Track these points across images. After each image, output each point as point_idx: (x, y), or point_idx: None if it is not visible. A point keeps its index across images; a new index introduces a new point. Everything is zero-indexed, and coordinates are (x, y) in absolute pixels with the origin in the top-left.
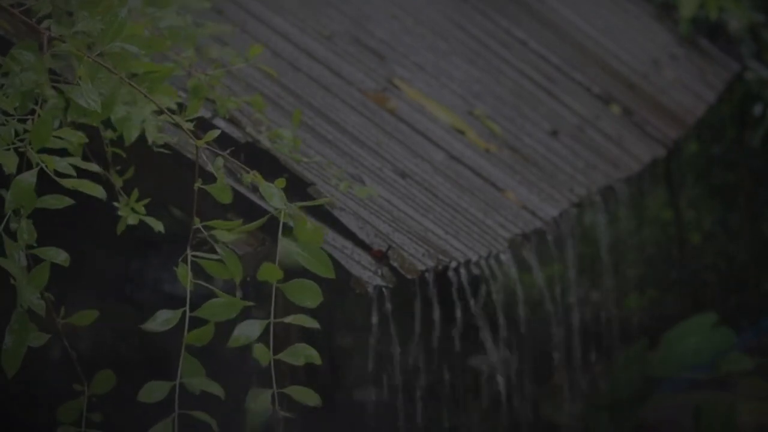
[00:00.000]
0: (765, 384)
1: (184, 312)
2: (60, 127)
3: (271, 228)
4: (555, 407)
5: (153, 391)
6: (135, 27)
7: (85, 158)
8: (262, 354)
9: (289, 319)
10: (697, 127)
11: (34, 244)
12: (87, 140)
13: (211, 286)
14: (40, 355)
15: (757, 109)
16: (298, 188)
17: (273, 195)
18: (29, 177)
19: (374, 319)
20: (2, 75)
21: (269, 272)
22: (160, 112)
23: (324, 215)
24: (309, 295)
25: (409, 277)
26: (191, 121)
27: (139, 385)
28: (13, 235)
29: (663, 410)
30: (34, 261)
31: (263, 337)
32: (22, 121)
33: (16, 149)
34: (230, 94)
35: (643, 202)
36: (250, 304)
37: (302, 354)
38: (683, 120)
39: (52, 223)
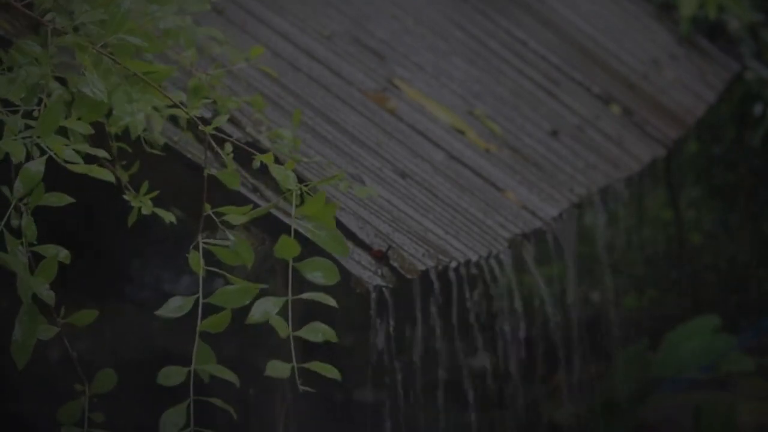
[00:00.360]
0: (765, 384)
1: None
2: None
3: (271, 227)
4: (555, 407)
5: (171, 376)
6: (136, 23)
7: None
8: (281, 327)
9: (306, 296)
10: (697, 127)
11: (35, 242)
12: (93, 131)
13: (222, 272)
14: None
15: (757, 109)
16: None
17: (287, 177)
18: (38, 165)
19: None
20: (8, 68)
21: (287, 248)
22: (165, 107)
23: None
24: (325, 273)
25: (409, 277)
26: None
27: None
28: (14, 232)
29: (663, 410)
30: (35, 259)
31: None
32: (28, 112)
33: (22, 140)
34: (230, 94)
35: (643, 202)
36: (264, 286)
37: (320, 331)
38: (683, 120)
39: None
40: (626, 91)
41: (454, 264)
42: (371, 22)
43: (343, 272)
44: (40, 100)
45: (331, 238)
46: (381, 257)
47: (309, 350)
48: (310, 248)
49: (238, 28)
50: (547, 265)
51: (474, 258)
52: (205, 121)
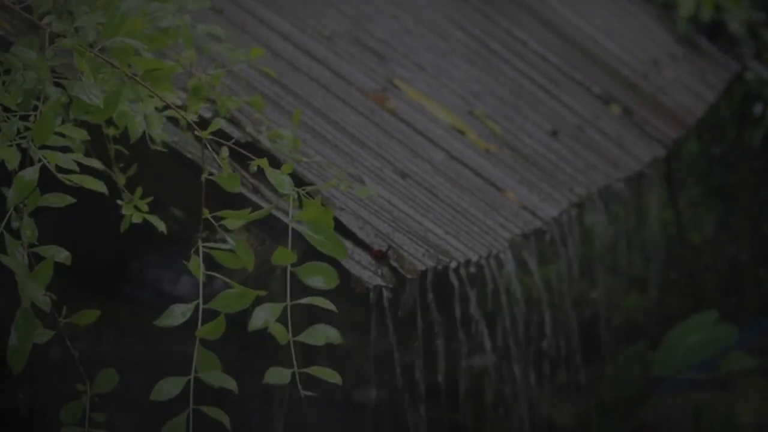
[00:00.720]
0: (765, 384)
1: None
2: (62, 124)
3: (271, 227)
4: (555, 407)
5: (163, 391)
6: (135, 22)
7: (86, 157)
8: (281, 335)
9: (305, 301)
10: (697, 127)
11: (36, 243)
12: (89, 138)
13: (221, 277)
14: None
15: (757, 109)
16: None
17: (282, 181)
18: (31, 173)
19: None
20: (4, 72)
21: (283, 256)
22: (164, 108)
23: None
24: (324, 277)
25: (409, 277)
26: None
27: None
28: (14, 233)
29: (663, 410)
30: (36, 259)
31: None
32: (24, 118)
33: (18, 146)
34: (230, 94)
35: (643, 203)
36: (264, 293)
37: (323, 335)
38: (683, 120)
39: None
40: (626, 91)
41: (454, 264)
42: (371, 22)
43: (343, 272)
44: (36, 107)
45: (330, 241)
46: (381, 257)
47: (313, 350)
48: (310, 249)
49: (238, 27)
50: (546, 265)
51: (474, 258)
52: (204, 124)
